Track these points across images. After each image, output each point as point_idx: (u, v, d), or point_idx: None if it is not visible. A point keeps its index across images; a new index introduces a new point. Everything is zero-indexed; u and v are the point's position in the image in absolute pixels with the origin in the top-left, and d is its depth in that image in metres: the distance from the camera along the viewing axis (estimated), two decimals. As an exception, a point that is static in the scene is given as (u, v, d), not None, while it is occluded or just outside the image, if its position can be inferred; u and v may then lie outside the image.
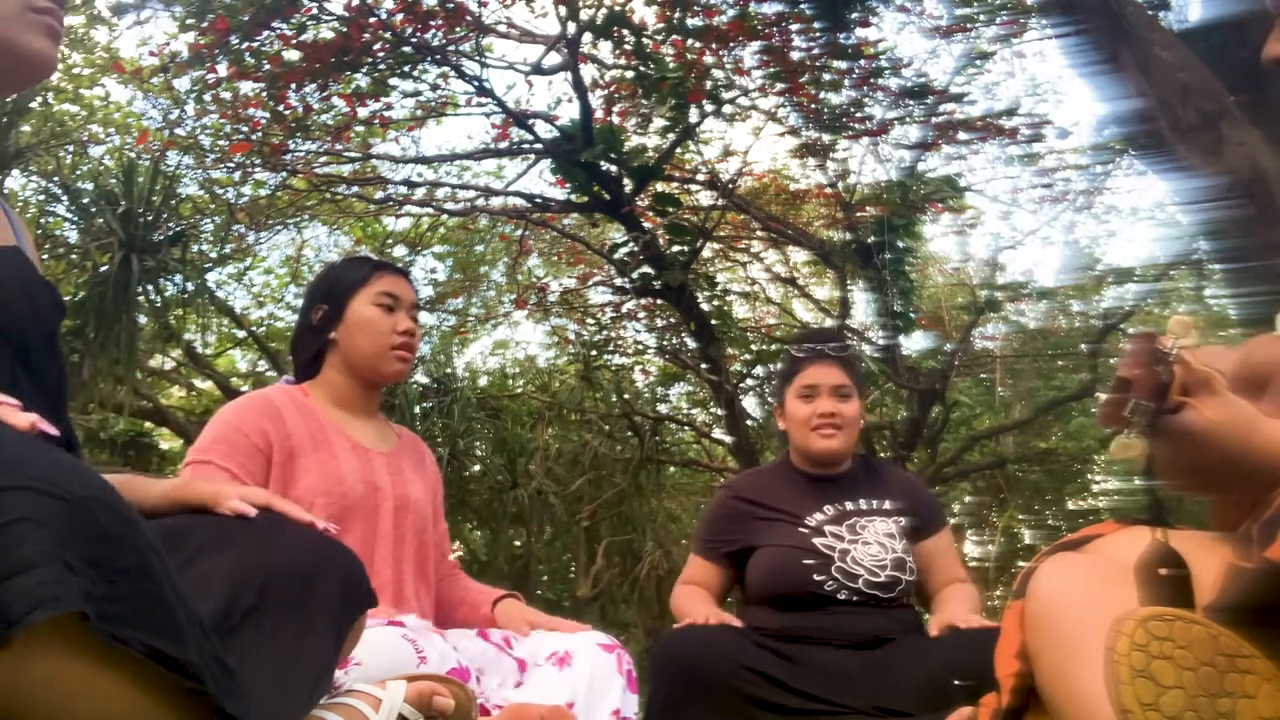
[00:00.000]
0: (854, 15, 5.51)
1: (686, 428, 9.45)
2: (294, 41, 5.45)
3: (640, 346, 8.41)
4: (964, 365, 8.34)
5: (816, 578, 2.00)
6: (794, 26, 5.57)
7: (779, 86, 5.87)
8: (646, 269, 6.29)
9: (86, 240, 5.18)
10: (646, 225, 6.24)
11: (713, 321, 6.77)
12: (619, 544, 8.21)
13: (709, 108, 5.95)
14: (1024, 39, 6.70)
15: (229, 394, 6.66)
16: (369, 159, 6.59)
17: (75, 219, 5.43)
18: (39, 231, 5.63)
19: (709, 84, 5.74)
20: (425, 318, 8.33)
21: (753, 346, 7.67)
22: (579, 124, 5.67)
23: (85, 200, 5.35)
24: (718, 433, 8.94)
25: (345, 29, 5.32)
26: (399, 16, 5.40)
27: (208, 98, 5.85)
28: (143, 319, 5.35)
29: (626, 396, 8.28)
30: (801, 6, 5.53)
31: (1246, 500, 0.98)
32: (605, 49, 6.05)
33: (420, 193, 6.77)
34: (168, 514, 1.05)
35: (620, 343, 8.34)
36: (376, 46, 5.57)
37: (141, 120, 6.66)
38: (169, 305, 5.44)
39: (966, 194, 7.50)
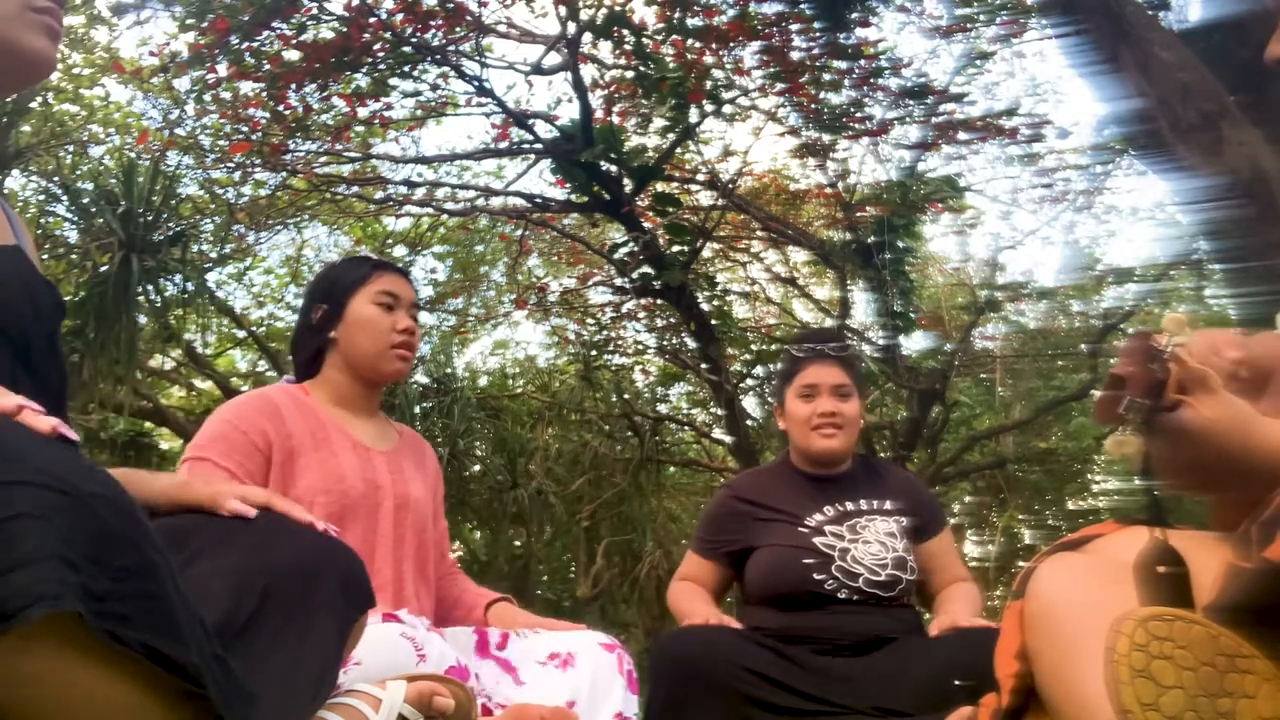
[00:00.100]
0: (854, 15, 5.51)
1: (686, 428, 9.46)
2: (294, 41, 5.45)
3: (640, 346, 8.42)
4: (964, 365, 8.34)
5: (817, 577, 2.00)
6: (794, 26, 5.57)
7: (779, 86, 5.87)
8: (646, 269, 6.29)
9: (86, 240, 5.18)
10: (646, 225, 6.24)
11: (713, 321, 6.77)
12: (619, 544, 8.21)
13: (709, 108, 5.95)
14: (1024, 39, 6.71)
15: (229, 394, 6.65)
16: (369, 159, 6.59)
17: (75, 219, 5.42)
18: (39, 231, 5.63)
19: (709, 84, 5.74)
20: (425, 318, 8.34)
21: (753, 346, 7.67)
22: (579, 124, 5.67)
23: (85, 200, 5.35)
24: (718, 433, 8.95)
25: (345, 29, 5.32)
26: (399, 16, 5.40)
27: (208, 98, 5.85)
28: (143, 319, 5.35)
29: (626, 396, 8.28)
30: (801, 6, 5.53)
31: (1245, 500, 0.98)
32: (605, 49, 6.05)
33: (420, 193, 6.77)
34: (167, 512, 1.05)
35: (620, 343, 8.34)
36: (376, 46, 5.57)
37: (141, 120, 6.67)
38: (169, 305, 5.44)
39: (966, 194, 7.51)
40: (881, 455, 6.54)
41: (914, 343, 7.65)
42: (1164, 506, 1.07)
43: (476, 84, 5.81)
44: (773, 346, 7.41)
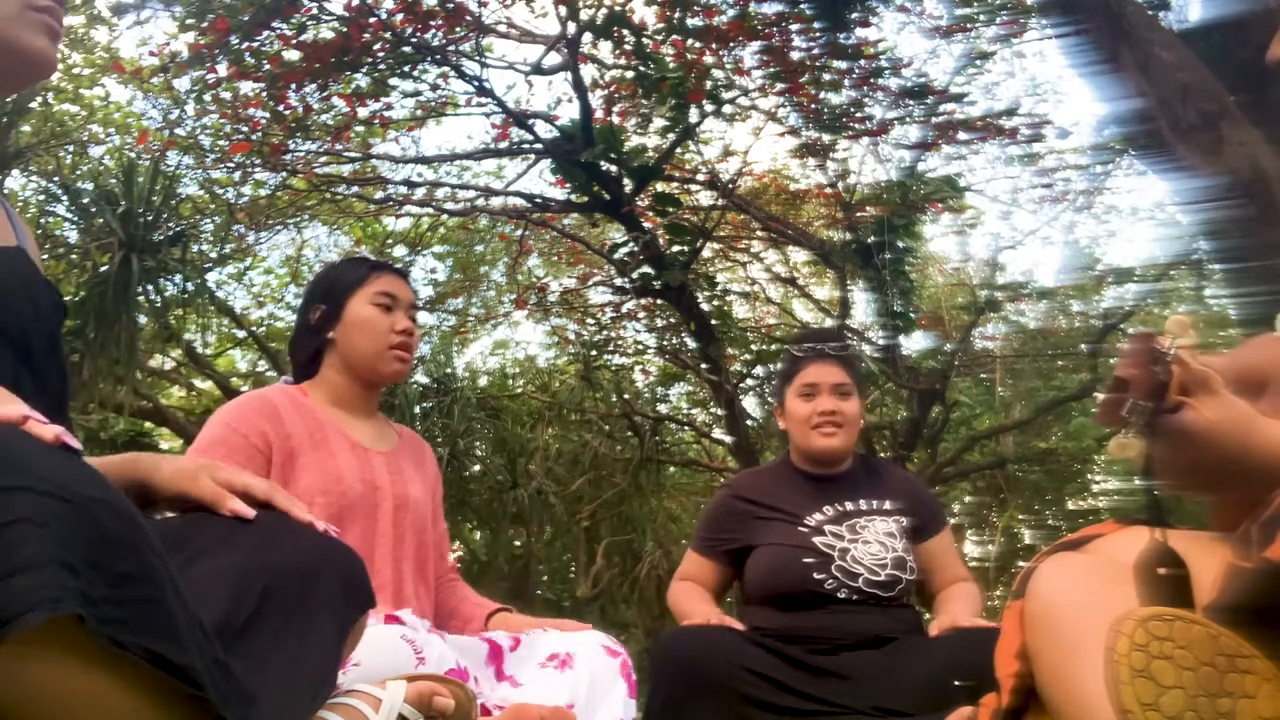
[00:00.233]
0: (854, 15, 5.51)
1: (686, 428, 9.45)
2: (294, 41, 5.45)
3: (640, 346, 8.42)
4: (964, 365, 8.34)
5: (816, 576, 2.00)
6: (794, 26, 5.57)
7: (779, 86, 5.87)
8: (646, 269, 6.29)
9: (86, 240, 5.18)
10: (646, 225, 6.24)
11: (713, 321, 6.77)
12: (619, 544, 8.21)
13: (709, 108, 5.95)
14: (1024, 39, 6.71)
15: (229, 394, 6.66)
16: (369, 159, 6.60)
17: (75, 219, 5.42)
18: (39, 231, 5.63)
19: (709, 84, 5.74)
20: (425, 318, 8.34)
21: (753, 346, 7.67)
22: (579, 124, 5.67)
23: (85, 200, 5.35)
24: (718, 433, 8.95)
25: (345, 29, 5.32)
26: (399, 16, 5.40)
27: (208, 98, 5.85)
28: (143, 319, 5.35)
29: (626, 396, 8.28)
30: (801, 6, 5.53)
31: (1246, 500, 0.98)
32: (605, 49, 6.05)
33: (420, 193, 6.77)
34: (173, 500, 1.04)
35: (620, 343, 8.34)
36: (376, 46, 5.57)
37: (141, 120, 6.67)
38: (169, 305, 5.44)
39: (966, 194, 7.51)
40: (881, 455, 6.54)
41: (914, 343, 7.66)
42: (1164, 507, 1.07)
43: (476, 84, 5.81)
44: (773, 346, 7.41)
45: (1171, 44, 3.43)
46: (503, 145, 6.33)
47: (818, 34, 5.62)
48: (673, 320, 7.61)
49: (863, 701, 1.79)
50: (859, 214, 6.77)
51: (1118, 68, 3.44)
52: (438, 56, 5.72)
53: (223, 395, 7.26)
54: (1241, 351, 1.22)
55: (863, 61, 5.75)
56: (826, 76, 5.80)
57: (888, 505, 2.14)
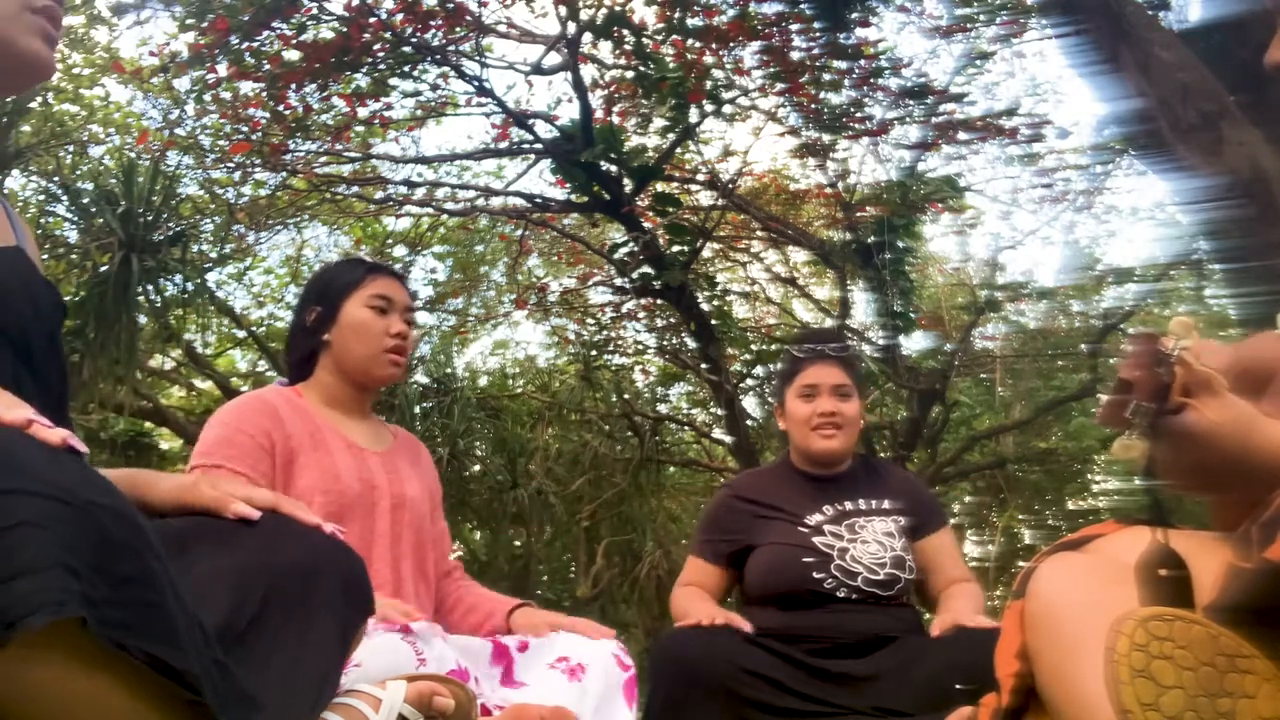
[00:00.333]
0: (854, 15, 5.51)
1: (686, 428, 9.45)
2: (294, 41, 5.45)
3: (640, 346, 8.42)
4: (964, 365, 8.34)
5: (816, 575, 2.00)
6: (794, 26, 5.57)
7: (779, 86, 5.87)
8: (646, 269, 6.29)
9: (86, 240, 5.18)
10: (646, 225, 6.24)
11: (713, 321, 6.77)
12: (619, 544, 8.21)
13: (709, 108, 5.95)
14: (1024, 39, 6.71)
15: (229, 394, 6.66)
16: (369, 159, 6.59)
17: (75, 219, 5.42)
18: (39, 231, 5.63)
19: (709, 84, 5.74)
20: (425, 318, 8.35)
21: (753, 346, 7.67)
22: (579, 124, 5.67)
23: (85, 200, 5.34)
24: (718, 433, 8.95)
25: (345, 29, 5.32)
26: (399, 16, 5.40)
27: (208, 98, 5.85)
28: (143, 319, 5.35)
29: (626, 396, 8.28)
30: (801, 6, 5.53)
31: (1246, 500, 0.98)
32: (605, 49, 6.05)
33: (420, 193, 6.77)
34: (173, 513, 1.04)
35: (620, 343, 8.34)
36: (376, 46, 5.57)
37: (141, 120, 6.67)
38: (169, 305, 5.44)
39: (966, 194, 7.51)
40: (881, 455, 6.54)
41: (914, 343, 7.66)
42: (1165, 507, 1.07)
43: (476, 84, 5.81)
44: (773, 346, 7.41)
45: (1171, 44, 3.43)
46: (503, 145, 6.33)
47: (818, 34, 5.62)
48: (673, 320, 7.61)
49: (863, 702, 1.79)
50: (859, 214, 6.77)
51: (1118, 68, 3.44)
52: (438, 56, 5.72)
53: (223, 395, 7.26)
54: (1242, 350, 1.22)
55: (863, 61, 5.75)
56: (826, 76, 5.80)
57: (887, 505, 2.14)
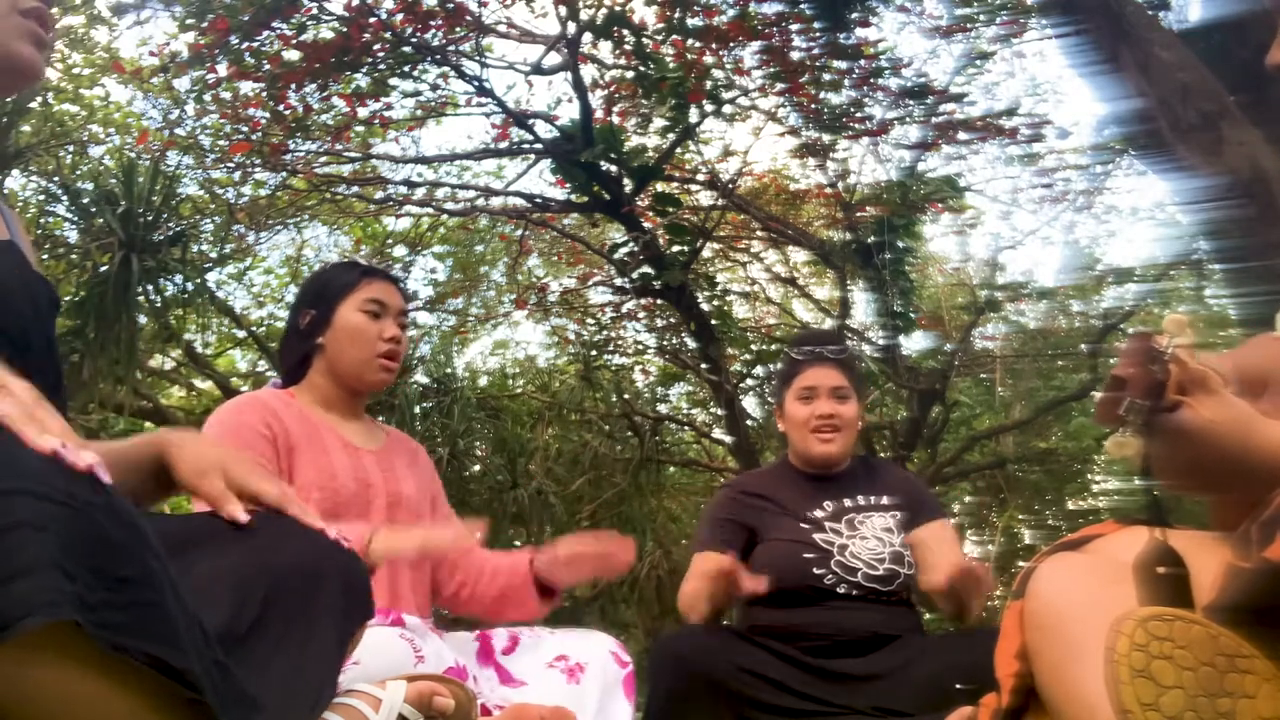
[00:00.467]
0: (854, 15, 5.52)
1: (686, 428, 9.45)
2: (294, 41, 5.45)
3: (640, 346, 8.42)
4: (964, 365, 8.34)
5: (817, 571, 2.01)
6: (794, 26, 5.57)
7: (779, 86, 5.87)
8: (646, 269, 6.29)
9: (86, 240, 5.18)
10: (646, 225, 6.24)
11: (713, 321, 6.77)
12: (619, 544, 8.19)
13: (709, 108, 5.95)
14: (1024, 39, 6.72)
15: (229, 394, 6.65)
16: (369, 159, 6.60)
17: (75, 219, 5.42)
18: (39, 232, 5.63)
19: (709, 84, 5.74)
20: (425, 318, 8.35)
21: (753, 346, 7.67)
22: (579, 124, 5.67)
23: (85, 200, 5.34)
24: (718, 433, 8.95)
25: (345, 29, 5.32)
26: (399, 16, 5.41)
27: (208, 98, 5.85)
28: (143, 319, 5.34)
29: (626, 396, 8.28)
30: (801, 6, 5.53)
31: (1245, 500, 0.98)
32: (605, 49, 6.05)
33: (420, 193, 6.77)
34: (179, 491, 1.04)
35: (620, 343, 8.34)
36: (376, 46, 5.57)
37: (141, 120, 6.67)
38: (169, 305, 5.43)
39: (966, 194, 7.51)
40: (881, 455, 6.54)
41: (914, 343, 7.66)
42: (1164, 507, 1.07)
43: (476, 84, 5.81)
44: (773, 346, 7.41)
45: (1171, 44, 3.43)
46: (503, 145, 6.33)
47: (818, 34, 5.62)
48: (673, 320, 7.61)
49: (863, 701, 1.79)
50: (859, 214, 6.77)
51: (1118, 68, 3.45)
52: (438, 56, 5.72)
53: (222, 395, 7.25)
54: (1241, 351, 1.22)
55: (863, 61, 5.76)
56: (826, 76, 5.80)
57: (885, 501, 2.15)
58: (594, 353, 8.09)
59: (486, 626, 1.75)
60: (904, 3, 6.16)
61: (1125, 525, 1.13)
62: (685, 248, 6.53)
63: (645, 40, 5.69)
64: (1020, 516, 9.84)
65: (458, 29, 5.52)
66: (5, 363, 0.92)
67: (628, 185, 6.01)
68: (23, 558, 0.63)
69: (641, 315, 7.90)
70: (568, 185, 6.23)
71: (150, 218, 5.14)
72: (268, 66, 5.47)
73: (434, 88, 6.13)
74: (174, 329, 6.08)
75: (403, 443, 1.91)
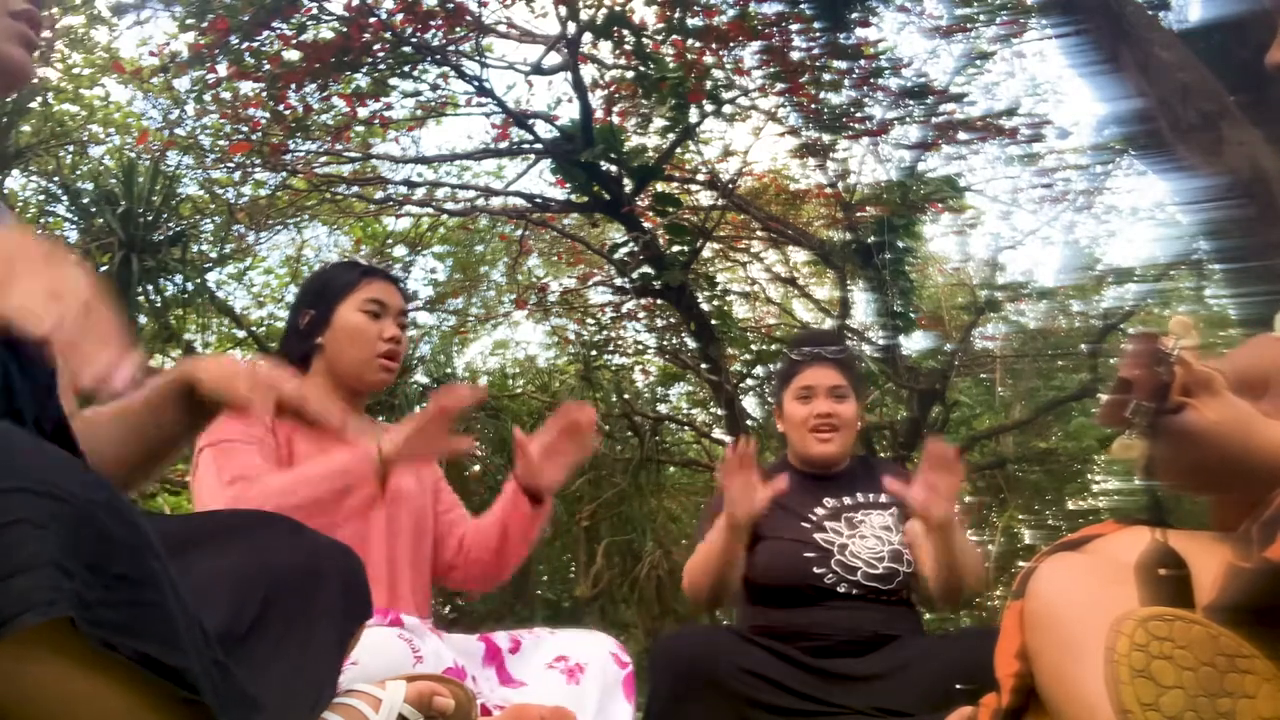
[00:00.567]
0: (854, 15, 5.52)
1: (686, 428, 9.45)
2: (294, 41, 5.45)
3: (640, 346, 8.41)
4: (964, 365, 8.34)
5: (817, 570, 2.01)
6: (794, 26, 5.57)
7: (779, 86, 5.87)
8: (646, 269, 6.29)
9: (86, 240, 5.18)
10: (646, 225, 6.24)
11: (713, 321, 6.77)
12: (619, 544, 8.20)
13: (709, 108, 5.95)
14: (1024, 39, 6.72)
15: (229, 394, 6.63)
16: (369, 159, 6.60)
17: (75, 219, 5.42)
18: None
19: (709, 84, 5.74)
20: (425, 318, 8.34)
21: (753, 346, 7.67)
22: (579, 124, 5.67)
23: (85, 200, 5.35)
24: (718, 433, 8.94)
25: (345, 29, 5.32)
26: (399, 16, 5.41)
27: (208, 98, 5.86)
28: (143, 319, 5.35)
29: (626, 396, 8.28)
30: (801, 6, 5.53)
31: (1246, 500, 0.98)
32: (605, 49, 6.05)
33: (420, 193, 6.77)
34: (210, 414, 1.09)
35: (620, 343, 8.34)
36: (376, 46, 5.57)
37: (141, 120, 6.67)
38: (169, 305, 5.43)
39: (966, 194, 7.51)
40: (881, 455, 6.54)
41: (914, 343, 7.65)
42: (1164, 507, 1.07)
43: (476, 84, 5.81)
44: (773, 346, 7.41)
45: (1171, 44, 3.43)
46: (503, 145, 6.33)
47: (818, 34, 5.62)
48: (673, 320, 7.60)
49: (863, 701, 1.79)
50: (859, 214, 6.77)
51: (1118, 68, 3.45)
52: (438, 56, 5.72)
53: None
54: (1241, 351, 1.22)
55: (863, 61, 5.76)
56: (826, 76, 5.80)
57: (883, 498, 2.15)
58: (594, 353, 8.09)
59: (487, 628, 1.76)
60: (904, 3, 6.17)
61: (1125, 525, 1.13)
62: (685, 248, 6.53)
63: (645, 40, 5.69)
64: (1020, 516, 9.83)
65: (458, 29, 5.52)
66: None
67: (628, 185, 6.01)
68: (21, 555, 0.63)
69: (641, 315, 7.90)
70: (568, 185, 6.23)
71: (150, 218, 5.14)
72: (268, 66, 5.47)
73: (434, 88, 6.13)
74: (174, 329, 6.07)
75: None
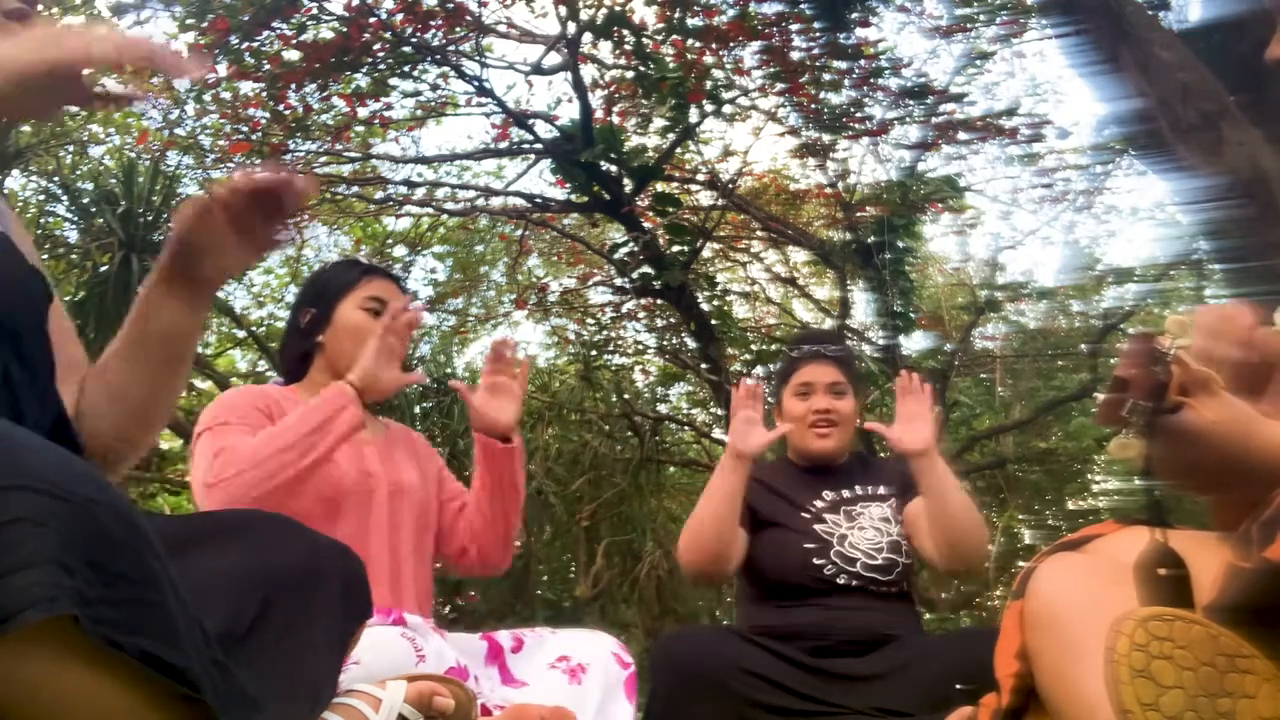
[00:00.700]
0: (854, 15, 5.52)
1: (686, 428, 9.45)
2: (294, 41, 5.45)
3: (640, 346, 8.41)
4: (964, 365, 8.34)
5: (816, 562, 2.02)
6: (794, 26, 5.57)
7: (779, 86, 5.87)
8: (646, 269, 6.30)
9: (86, 240, 5.18)
10: (646, 225, 6.24)
11: (713, 321, 6.77)
12: (619, 544, 8.20)
13: (709, 108, 5.96)
14: (1024, 39, 6.72)
15: (229, 394, 6.64)
16: (369, 159, 6.60)
17: (75, 219, 5.43)
18: (39, 232, 5.63)
19: (709, 84, 5.74)
20: (425, 318, 8.34)
21: (753, 346, 7.67)
22: (579, 124, 5.67)
23: (85, 200, 5.35)
24: (718, 433, 8.94)
25: (345, 29, 5.33)
26: (399, 16, 5.41)
27: (208, 98, 5.86)
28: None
29: (626, 396, 8.28)
30: (801, 6, 5.53)
31: (1246, 500, 0.98)
32: (605, 49, 6.06)
33: (420, 193, 6.78)
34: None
35: (620, 343, 8.34)
36: (376, 46, 5.58)
37: (141, 120, 6.67)
38: (169, 305, 5.42)
39: (966, 194, 7.51)
40: (881, 455, 6.54)
41: (914, 343, 7.66)
42: (1164, 507, 1.07)
43: (476, 84, 5.81)
44: (773, 346, 7.41)
45: (1171, 44, 3.43)
46: (503, 145, 6.34)
47: (818, 34, 5.62)
48: (673, 320, 7.60)
49: (863, 702, 1.79)
50: (859, 214, 6.77)
51: (1118, 68, 3.44)
52: (438, 56, 5.72)
53: (223, 395, 7.25)
54: (1206, 318, 1.22)
55: (863, 61, 5.76)
56: (826, 76, 5.80)
57: (882, 490, 2.16)
58: (594, 353, 8.09)
59: (489, 627, 1.76)
60: (904, 3, 6.17)
61: (1125, 525, 1.13)
62: (685, 248, 6.53)
63: (645, 40, 5.69)
64: (1020, 516, 9.83)
65: (458, 29, 5.52)
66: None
67: (628, 185, 6.01)
68: (21, 552, 0.63)
69: (641, 315, 7.90)
70: (568, 185, 6.23)
71: (150, 218, 5.14)
72: (268, 66, 5.48)
73: (434, 88, 6.13)
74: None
75: (402, 434, 1.91)
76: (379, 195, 6.77)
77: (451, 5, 5.37)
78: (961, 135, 6.55)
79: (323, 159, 6.38)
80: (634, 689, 1.60)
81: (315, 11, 5.44)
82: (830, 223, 7.44)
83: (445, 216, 7.35)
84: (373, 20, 5.33)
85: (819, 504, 2.12)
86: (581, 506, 7.84)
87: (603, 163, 5.78)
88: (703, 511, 2.04)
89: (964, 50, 6.53)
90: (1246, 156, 3.16)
